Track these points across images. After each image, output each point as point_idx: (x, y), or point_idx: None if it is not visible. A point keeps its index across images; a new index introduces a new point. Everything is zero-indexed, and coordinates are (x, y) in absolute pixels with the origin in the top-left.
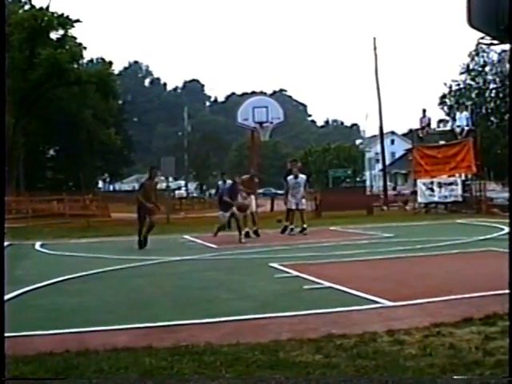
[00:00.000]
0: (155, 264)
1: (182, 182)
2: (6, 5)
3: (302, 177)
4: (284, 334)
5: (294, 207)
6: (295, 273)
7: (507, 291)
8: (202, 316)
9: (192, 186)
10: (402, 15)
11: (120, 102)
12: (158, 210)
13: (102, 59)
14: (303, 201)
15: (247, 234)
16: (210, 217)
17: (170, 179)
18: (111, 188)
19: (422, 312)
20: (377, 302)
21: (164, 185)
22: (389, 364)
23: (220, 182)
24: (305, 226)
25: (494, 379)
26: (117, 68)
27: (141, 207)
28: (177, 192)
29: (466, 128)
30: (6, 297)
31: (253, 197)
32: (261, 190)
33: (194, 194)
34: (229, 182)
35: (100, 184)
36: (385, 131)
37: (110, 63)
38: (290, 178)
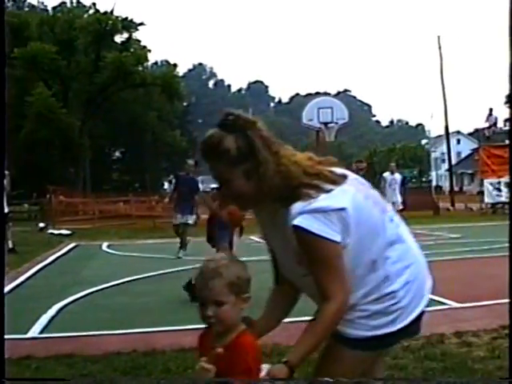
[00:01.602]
0: None
1: None
2: (71, 9)
3: (399, 174)
4: None
5: None
6: None
7: None
8: None
9: None
10: (467, 13)
11: (184, 103)
12: None
13: (167, 61)
14: (399, 199)
15: None
16: None
17: None
18: None
19: (490, 313)
20: (444, 304)
21: None
22: (457, 366)
23: None
24: None
25: None
26: (181, 70)
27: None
28: None
29: None
30: (74, 297)
31: None
32: None
33: None
34: None
35: (165, 185)
36: (450, 131)
37: (175, 65)
38: (387, 174)
